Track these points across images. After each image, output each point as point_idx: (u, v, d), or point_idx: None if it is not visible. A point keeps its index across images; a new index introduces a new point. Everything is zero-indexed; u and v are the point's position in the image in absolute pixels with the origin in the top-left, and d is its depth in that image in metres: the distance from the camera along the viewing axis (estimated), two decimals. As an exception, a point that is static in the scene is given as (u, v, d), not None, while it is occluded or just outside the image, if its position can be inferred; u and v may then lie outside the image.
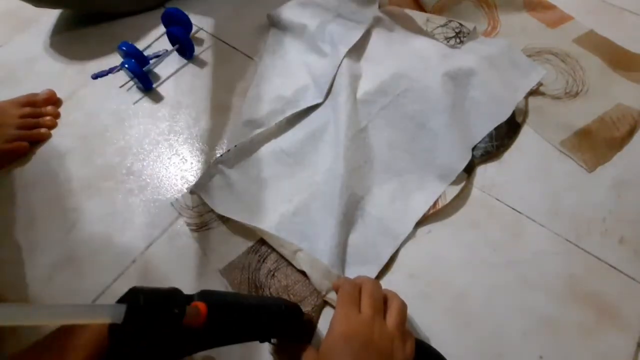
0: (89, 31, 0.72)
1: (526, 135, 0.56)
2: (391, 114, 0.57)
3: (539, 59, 0.63)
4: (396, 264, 0.47)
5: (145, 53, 0.65)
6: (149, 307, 0.27)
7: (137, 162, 0.56)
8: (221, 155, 0.53)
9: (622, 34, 0.66)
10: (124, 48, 0.63)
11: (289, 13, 0.69)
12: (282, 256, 0.47)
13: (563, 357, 0.41)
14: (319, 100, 0.58)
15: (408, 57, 0.63)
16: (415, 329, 0.42)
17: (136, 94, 0.63)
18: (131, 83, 0.64)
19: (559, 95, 0.59)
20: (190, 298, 0.32)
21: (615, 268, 0.46)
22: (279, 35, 0.68)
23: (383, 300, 0.37)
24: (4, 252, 0.49)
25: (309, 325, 0.43)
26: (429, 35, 0.65)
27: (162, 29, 0.69)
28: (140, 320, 0.27)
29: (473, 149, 0.54)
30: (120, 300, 0.27)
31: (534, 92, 0.59)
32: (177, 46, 0.66)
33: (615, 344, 0.42)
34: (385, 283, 0.46)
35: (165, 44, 0.68)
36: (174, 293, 0.30)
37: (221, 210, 0.50)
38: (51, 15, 0.74)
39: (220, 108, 0.61)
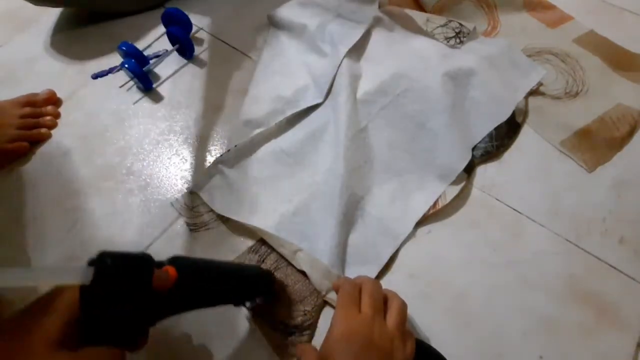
0: (89, 31, 0.72)
1: (526, 135, 0.56)
2: (391, 114, 0.57)
3: (539, 59, 0.63)
4: (396, 264, 0.47)
5: (145, 53, 0.65)
6: (117, 268, 0.28)
7: (137, 162, 0.56)
8: (221, 155, 0.53)
9: (622, 34, 0.66)
10: (124, 48, 0.63)
11: (289, 13, 0.69)
12: (282, 256, 0.47)
13: (563, 357, 0.41)
14: (319, 100, 0.58)
15: (408, 57, 0.63)
16: (415, 329, 0.42)
17: (136, 94, 0.63)
18: (131, 83, 0.64)
19: (559, 95, 0.59)
20: (161, 264, 0.32)
21: (615, 268, 0.46)
22: (279, 35, 0.68)
23: (383, 300, 0.37)
24: (4, 252, 0.49)
25: (279, 289, 0.44)
26: (429, 35, 0.65)
27: (162, 29, 0.69)
28: (108, 282, 0.27)
29: (473, 149, 0.54)
30: (90, 264, 0.28)
31: (534, 92, 0.59)
32: (177, 46, 0.66)
33: (615, 344, 0.42)
34: (385, 283, 0.46)
35: (165, 44, 0.68)
36: (143, 256, 0.31)
37: (221, 210, 0.50)
38: (51, 15, 0.74)
39: (219, 108, 0.61)
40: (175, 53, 0.67)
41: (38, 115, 0.60)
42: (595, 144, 0.54)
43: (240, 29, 0.71)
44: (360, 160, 0.53)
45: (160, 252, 0.48)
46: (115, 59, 0.66)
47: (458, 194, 0.50)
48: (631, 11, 0.70)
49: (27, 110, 0.59)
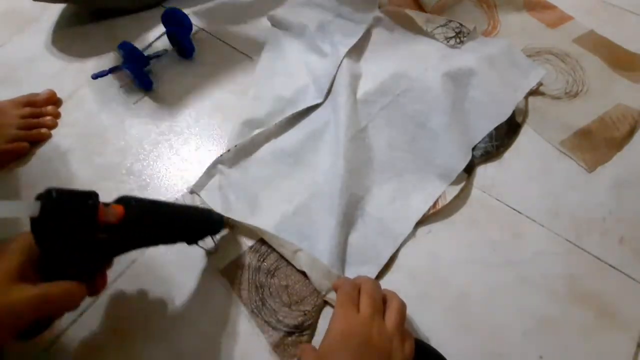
0: (89, 31, 0.72)
1: (526, 135, 0.56)
2: (391, 114, 0.57)
3: (539, 59, 0.63)
4: (396, 264, 0.47)
5: (145, 53, 0.65)
6: (62, 201, 0.30)
7: (137, 162, 0.56)
8: (221, 155, 0.53)
9: (622, 34, 0.66)
10: (124, 48, 0.63)
11: (289, 13, 0.69)
12: (282, 256, 0.47)
13: (563, 357, 0.41)
14: (319, 100, 0.58)
15: (408, 57, 0.63)
16: (415, 329, 0.42)
17: (136, 94, 0.63)
18: (131, 83, 0.64)
19: (559, 95, 0.59)
20: (108, 204, 0.35)
21: (615, 268, 0.46)
22: (279, 35, 0.68)
23: (382, 300, 0.37)
24: (4, 252, 0.49)
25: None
26: (429, 35, 0.65)
27: (162, 29, 0.69)
28: (54, 213, 0.29)
29: (473, 149, 0.54)
30: (37, 198, 0.30)
31: (534, 92, 0.59)
32: (177, 46, 0.66)
33: (615, 344, 0.42)
34: (385, 283, 0.46)
35: (165, 44, 0.68)
36: (89, 192, 0.33)
37: (221, 210, 0.50)
38: (51, 15, 0.74)
39: (220, 108, 0.61)
40: (175, 53, 0.67)
41: (38, 115, 0.60)
42: (595, 144, 0.54)
43: (240, 29, 0.71)
44: (360, 160, 0.53)
45: (160, 252, 0.48)
46: (115, 59, 0.66)
47: (458, 194, 0.50)
48: (631, 11, 0.70)
49: (27, 110, 0.59)
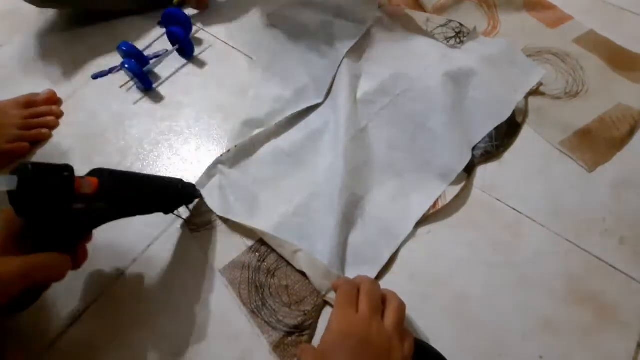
0: (89, 31, 0.72)
1: (526, 135, 0.56)
2: (391, 114, 0.57)
3: (539, 59, 0.63)
4: (396, 264, 0.47)
5: (145, 53, 0.65)
6: (38, 173, 0.32)
7: (137, 162, 0.56)
8: (221, 155, 0.53)
9: (622, 34, 0.66)
10: (124, 48, 0.63)
11: (289, 13, 0.69)
12: (282, 256, 0.47)
13: (563, 357, 0.41)
14: (319, 100, 0.58)
15: (408, 57, 0.63)
16: (415, 329, 0.42)
17: (136, 94, 0.63)
18: (131, 83, 0.64)
19: (559, 95, 0.59)
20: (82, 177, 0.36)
21: (615, 268, 0.46)
22: (279, 35, 0.68)
23: (381, 300, 0.37)
24: (4, 252, 0.49)
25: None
26: (429, 35, 0.65)
27: (162, 29, 0.69)
28: (31, 186, 0.31)
29: (473, 149, 0.54)
30: (13, 173, 0.31)
31: (534, 92, 0.59)
32: (177, 46, 0.66)
33: (615, 344, 0.42)
34: (385, 283, 0.46)
35: (165, 44, 0.68)
36: (64, 164, 0.34)
37: (220, 210, 0.50)
38: (51, 15, 0.74)
39: (220, 108, 0.61)
40: (175, 53, 0.67)
41: (39, 115, 0.60)
42: (595, 144, 0.54)
43: (240, 29, 0.71)
44: (360, 160, 0.53)
45: (161, 252, 0.48)
46: (116, 59, 0.66)
47: (458, 194, 0.50)
48: (631, 11, 0.70)
49: (28, 110, 0.59)
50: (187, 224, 0.50)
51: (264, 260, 0.47)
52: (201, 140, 0.58)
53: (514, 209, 0.50)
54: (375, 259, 0.46)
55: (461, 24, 0.65)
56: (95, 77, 0.65)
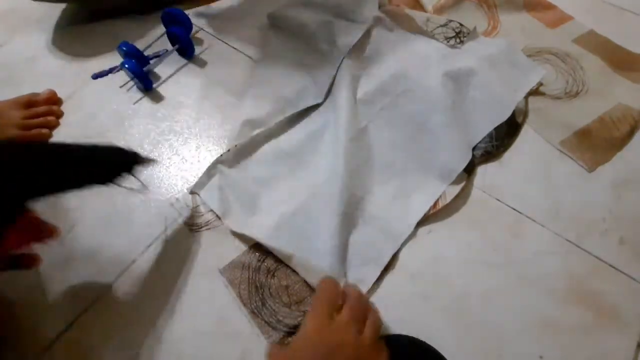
0: (89, 31, 0.72)
1: (526, 135, 0.56)
2: (391, 114, 0.57)
3: (539, 59, 0.63)
4: (397, 264, 0.47)
5: (145, 53, 0.65)
6: None
7: (137, 162, 0.56)
8: (221, 155, 0.53)
9: (622, 34, 0.66)
10: (124, 48, 0.63)
11: (289, 13, 0.69)
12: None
13: (563, 357, 0.41)
14: (319, 100, 0.58)
15: (408, 57, 0.63)
16: (416, 329, 0.42)
17: (136, 94, 0.63)
18: (131, 83, 0.64)
19: (559, 95, 0.59)
20: None
21: (615, 268, 0.46)
22: (279, 35, 0.68)
23: (364, 313, 0.36)
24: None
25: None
26: (429, 35, 0.65)
27: (162, 29, 0.69)
28: None
29: (473, 149, 0.54)
30: None
31: (534, 92, 0.59)
32: (177, 46, 0.66)
33: (615, 344, 0.42)
34: (386, 283, 0.46)
35: (165, 44, 0.68)
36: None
37: (221, 210, 0.50)
38: (51, 15, 0.74)
39: (220, 108, 0.61)
40: (175, 53, 0.67)
41: (39, 115, 0.60)
42: (595, 144, 0.54)
43: (240, 29, 0.71)
44: (361, 160, 0.53)
45: (161, 252, 0.48)
46: (116, 59, 0.66)
47: (458, 194, 0.50)
48: (631, 11, 0.70)
49: (28, 110, 0.59)
50: (187, 224, 0.50)
51: (264, 261, 0.47)
52: (201, 140, 0.58)
53: (514, 209, 0.50)
54: (376, 259, 0.46)
55: (461, 24, 0.65)
56: (95, 77, 0.65)
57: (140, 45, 0.66)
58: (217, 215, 0.50)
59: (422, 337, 0.42)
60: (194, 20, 0.70)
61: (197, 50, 0.67)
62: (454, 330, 0.43)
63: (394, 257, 0.47)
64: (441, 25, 0.66)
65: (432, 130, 0.54)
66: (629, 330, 0.42)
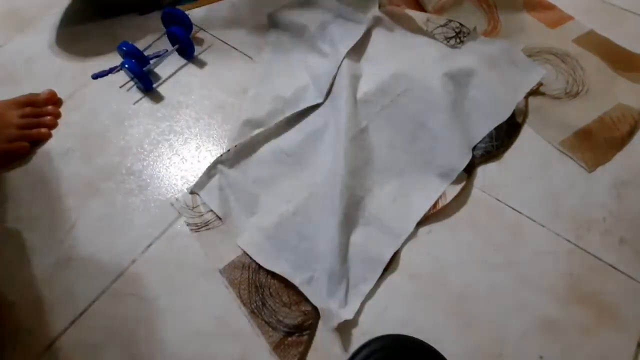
0: (89, 31, 0.72)
1: (526, 135, 0.56)
2: (391, 114, 0.57)
3: (539, 59, 0.63)
4: (397, 264, 0.47)
5: (146, 53, 0.65)
6: None
7: (137, 162, 0.56)
8: (221, 155, 0.53)
9: (622, 34, 0.66)
10: (124, 48, 0.63)
11: (289, 13, 0.69)
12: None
13: (563, 357, 0.41)
14: (319, 101, 0.58)
15: (408, 57, 0.63)
16: (416, 329, 0.42)
17: (136, 94, 0.63)
18: (131, 83, 0.64)
19: (559, 95, 0.59)
20: None
21: (615, 268, 0.46)
22: (279, 35, 0.68)
23: None
24: (5, 252, 0.49)
25: None
26: (429, 35, 0.65)
27: (162, 29, 0.69)
28: None
29: (473, 149, 0.54)
30: None
31: (534, 92, 0.59)
32: (177, 46, 0.66)
33: (615, 344, 0.42)
34: (386, 283, 0.46)
35: (165, 44, 0.68)
36: None
37: (221, 210, 0.50)
38: (51, 15, 0.74)
39: (220, 108, 0.61)
40: (175, 53, 0.67)
41: (38, 115, 0.60)
42: (595, 143, 0.54)
43: (240, 29, 0.71)
44: (361, 160, 0.53)
45: (161, 252, 0.48)
46: (116, 59, 0.66)
47: (458, 194, 0.50)
48: (631, 11, 0.70)
49: (28, 110, 0.59)
50: (187, 224, 0.50)
51: (264, 260, 0.47)
52: (201, 140, 0.58)
53: (514, 209, 0.50)
54: (377, 259, 0.46)
55: (461, 24, 0.65)
56: (95, 77, 0.65)
57: (140, 45, 0.66)
58: (217, 215, 0.50)
59: (422, 337, 0.42)
60: (194, 20, 0.69)
61: (197, 50, 0.67)
62: (454, 330, 0.43)
63: (394, 256, 0.47)
64: (441, 25, 0.66)
65: (432, 130, 0.54)
66: (629, 330, 0.42)
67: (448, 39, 0.65)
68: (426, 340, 0.41)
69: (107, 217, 0.51)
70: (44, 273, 0.47)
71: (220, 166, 0.53)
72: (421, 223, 0.49)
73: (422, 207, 0.50)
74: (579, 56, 0.63)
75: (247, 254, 0.47)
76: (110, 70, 0.65)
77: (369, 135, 0.55)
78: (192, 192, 0.52)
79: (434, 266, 0.47)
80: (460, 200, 0.51)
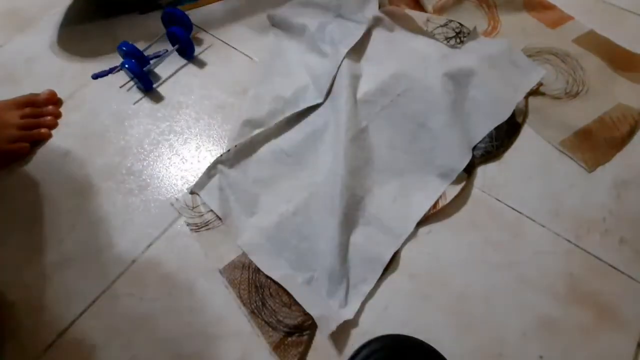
0: (89, 31, 0.72)
1: (526, 135, 0.56)
2: (391, 114, 0.57)
3: (539, 59, 0.63)
4: (397, 264, 0.47)
5: (146, 53, 0.65)
6: None
7: (137, 162, 0.56)
8: (221, 155, 0.53)
9: (622, 34, 0.66)
10: (124, 48, 0.63)
11: (289, 13, 0.69)
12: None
13: (563, 357, 0.41)
14: (319, 101, 0.58)
15: (408, 57, 0.63)
16: (416, 329, 0.42)
17: (136, 94, 0.63)
18: (131, 83, 0.64)
19: (559, 95, 0.59)
20: None
21: (615, 268, 0.46)
22: (279, 35, 0.68)
23: None
24: (5, 252, 0.49)
25: None
26: (429, 35, 0.65)
27: (162, 29, 0.69)
28: None
29: (473, 149, 0.54)
30: None
31: (534, 92, 0.59)
32: (177, 46, 0.66)
33: (615, 344, 0.42)
34: (386, 283, 0.46)
35: (165, 44, 0.68)
36: None
37: (221, 210, 0.50)
38: (52, 15, 0.74)
39: (220, 108, 0.61)
40: (175, 53, 0.67)
41: (39, 115, 0.60)
42: (596, 144, 0.54)
43: (240, 29, 0.71)
44: (361, 160, 0.53)
45: (161, 252, 0.48)
46: (116, 59, 0.66)
47: (458, 194, 0.50)
48: (631, 11, 0.70)
49: (28, 110, 0.59)
50: (187, 224, 0.50)
51: (264, 260, 0.47)
52: (201, 140, 0.58)
53: (514, 209, 0.50)
54: (377, 260, 0.46)
55: (461, 24, 0.65)
56: (95, 77, 0.65)
57: (140, 45, 0.66)
58: (217, 215, 0.50)
59: (422, 337, 0.42)
60: (194, 20, 0.69)
61: (197, 50, 0.67)
62: (454, 330, 0.43)
63: (394, 256, 0.47)
64: (441, 25, 0.66)
65: (432, 130, 0.54)
66: (629, 330, 0.42)
67: (448, 39, 0.65)
68: (426, 340, 0.41)
69: (107, 217, 0.51)
70: (44, 273, 0.47)
71: (220, 166, 0.53)
72: (421, 223, 0.49)
73: (422, 207, 0.50)
74: (579, 56, 0.63)
75: (247, 255, 0.47)
76: (110, 70, 0.65)
77: (369, 135, 0.55)
78: (192, 192, 0.52)
79: (434, 266, 0.47)
80: (460, 200, 0.51)
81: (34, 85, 0.63)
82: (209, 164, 0.53)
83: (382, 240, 0.48)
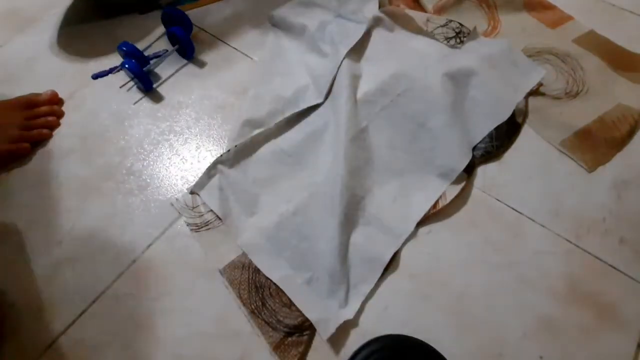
0: (90, 31, 0.72)
1: (526, 135, 0.56)
2: (391, 114, 0.57)
3: (539, 59, 0.63)
4: (397, 264, 0.47)
5: (146, 53, 0.65)
6: None
7: (137, 162, 0.56)
8: (221, 155, 0.53)
9: (622, 34, 0.66)
10: (124, 48, 0.63)
11: (289, 13, 0.69)
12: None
13: (563, 357, 0.41)
14: (319, 101, 0.58)
15: (408, 57, 0.63)
16: (416, 329, 0.42)
17: (136, 94, 0.63)
18: (131, 83, 0.64)
19: (559, 95, 0.59)
20: None
21: (615, 268, 0.46)
22: (279, 35, 0.68)
23: None
24: (5, 252, 0.49)
25: None
26: (429, 35, 0.65)
27: (162, 29, 0.69)
28: None
29: (473, 149, 0.54)
30: None
31: (534, 92, 0.59)
32: (177, 46, 0.66)
33: (615, 344, 0.42)
34: (386, 283, 0.46)
35: (165, 44, 0.68)
36: None
37: (221, 210, 0.50)
38: (52, 15, 0.74)
39: (220, 108, 0.61)
40: (175, 53, 0.67)
41: (40, 115, 0.60)
42: (596, 144, 0.54)
43: (240, 29, 0.71)
44: (361, 160, 0.53)
45: (161, 252, 0.48)
46: (116, 59, 0.66)
47: (458, 194, 0.50)
48: (631, 11, 0.70)
49: (29, 110, 0.59)
50: (187, 224, 0.50)
51: (264, 260, 0.47)
52: (201, 140, 0.58)
53: (514, 209, 0.50)
54: (377, 260, 0.46)
55: (461, 24, 0.65)
56: (95, 77, 0.65)
57: (140, 45, 0.66)
58: (217, 215, 0.50)
59: (422, 337, 0.42)
60: (194, 20, 0.70)
61: (197, 50, 0.67)
62: (454, 330, 0.43)
63: (394, 257, 0.47)
64: (441, 25, 0.66)
65: (432, 130, 0.54)
66: (629, 330, 0.42)
67: (448, 39, 0.65)
68: (426, 340, 0.41)
69: (107, 217, 0.51)
70: (44, 273, 0.47)
71: (220, 166, 0.53)
72: (421, 223, 0.49)
73: (422, 207, 0.50)
74: (579, 56, 0.63)
75: (247, 255, 0.47)
76: (110, 71, 0.65)
77: (369, 135, 0.55)
78: (192, 192, 0.52)
79: (434, 266, 0.47)
80: (460, 200, 0.51)
81: (34, 85, 0.63)
82: (209, 164, 0.53)
83: (382, 240, 0.48)
